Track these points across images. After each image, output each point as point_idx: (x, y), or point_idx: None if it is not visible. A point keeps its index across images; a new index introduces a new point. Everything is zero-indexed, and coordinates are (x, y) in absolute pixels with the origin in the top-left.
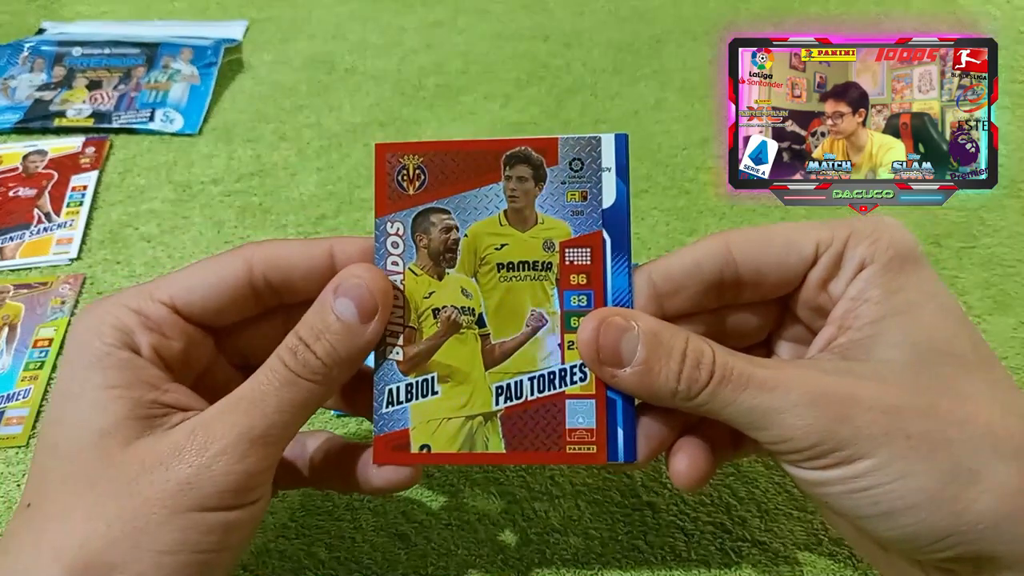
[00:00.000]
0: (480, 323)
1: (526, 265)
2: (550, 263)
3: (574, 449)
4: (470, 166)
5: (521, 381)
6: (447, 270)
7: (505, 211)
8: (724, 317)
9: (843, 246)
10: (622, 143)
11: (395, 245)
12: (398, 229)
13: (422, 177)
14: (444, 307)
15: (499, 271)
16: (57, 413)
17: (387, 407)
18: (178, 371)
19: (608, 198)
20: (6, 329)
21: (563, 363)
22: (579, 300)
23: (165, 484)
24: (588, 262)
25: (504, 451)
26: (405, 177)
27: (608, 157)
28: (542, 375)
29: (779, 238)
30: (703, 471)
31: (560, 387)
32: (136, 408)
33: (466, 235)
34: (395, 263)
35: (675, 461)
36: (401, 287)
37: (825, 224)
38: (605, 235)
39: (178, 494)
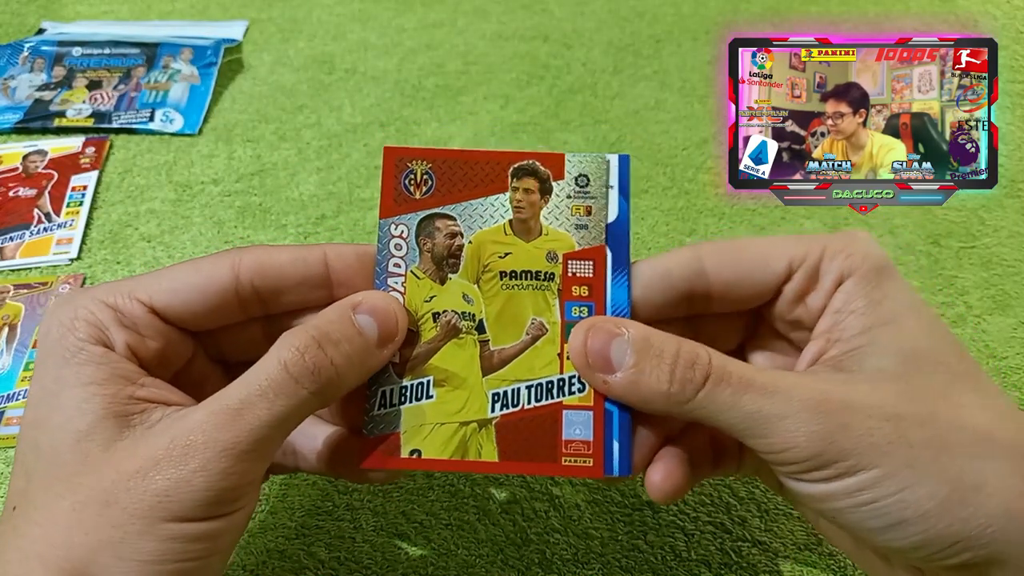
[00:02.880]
0: (480, 329)
1: (529, 274)
2: (552, 274)
3: (570, 461)
4: (477, 175)
5: (518, 389)
6: (449, 275)
7: (510, 221)
8: (695, 324)
9: (818, 260)
10: (624, 164)
11: (398, 247)
12: (402, 232)
13: (429, 182)
14: (444, 311)
15: (501, 279)
16: (35, 413)
17: (379, 409)
18: (154, 368)
19: (611, 214)
20: (6, 329)
21: (562, 373)
22: (580, 311)
23: (143, 495)
24: (590, 274)
25: (497, 460)
26: (412, 181)
27: (612, 175)
28: (540, 384)
29: (751, 253)
30: (678, 484)
31: (558, 397)
32: (112, 405)
33: (470, 242)
34: (397, 265)
35: (651, 472)
36: (402, 289)
37: (797, 240)
38: (608, 249)
39: (156, 506)
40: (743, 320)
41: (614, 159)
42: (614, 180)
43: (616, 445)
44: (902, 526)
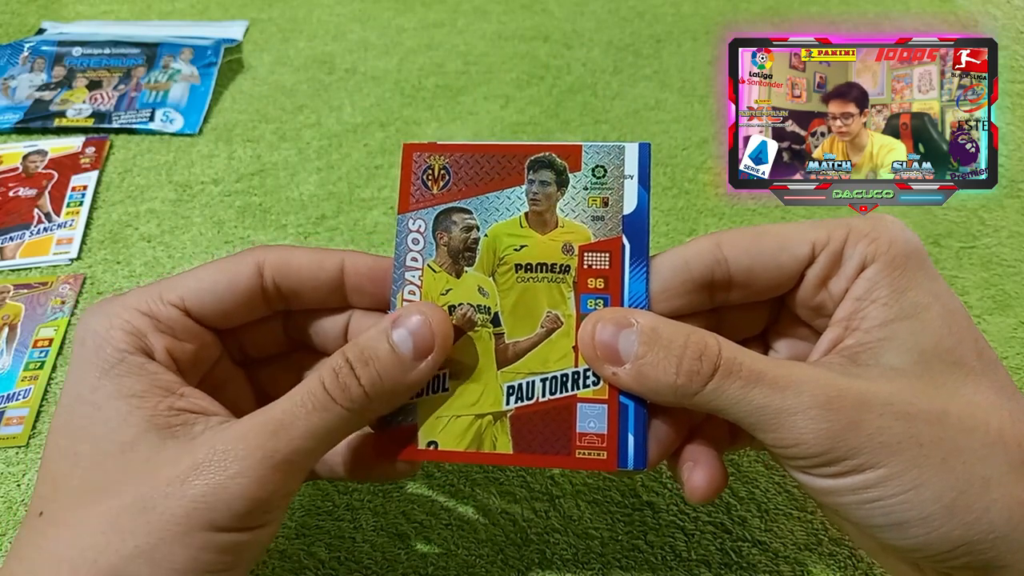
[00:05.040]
0: (495, 322)
1: (544, 267)
2: (568, 266)
3: (584, 454)
4: (494, 169)
5: (533, 382)
6: (465, 268)
7: (526, 214)
8: (718, 315)
9: (842, 244)
10: (645, 152)
11: (416, 242)
12: (420, 226)
13: (447, 177)
14: (460, 304)
15: (517, 271)
16: (70, 421)
17: None
18: (188, 372)
19: (629, 205)
20: (6, 329)
21: (576, 366)
22: (595, 304)
23: (180, 499)
24: (607, 266)
25: (512, 452)
26: (430, 177)
27: (631, 165)
28: (555, 377)
29: (772, 238)
30: (719, 482)
31: (572, 390)
32: (155, 417)
33: (486, 235)
34: (414, 259)
35: (692, 475)
36: (419, 283)
37: (821, 223)
38: (625, 241)
39: (192, 512)
40: (767, 307)
41: (632, 148)
42: (633, 169)
43: (631, 439)
44: (904, 526)
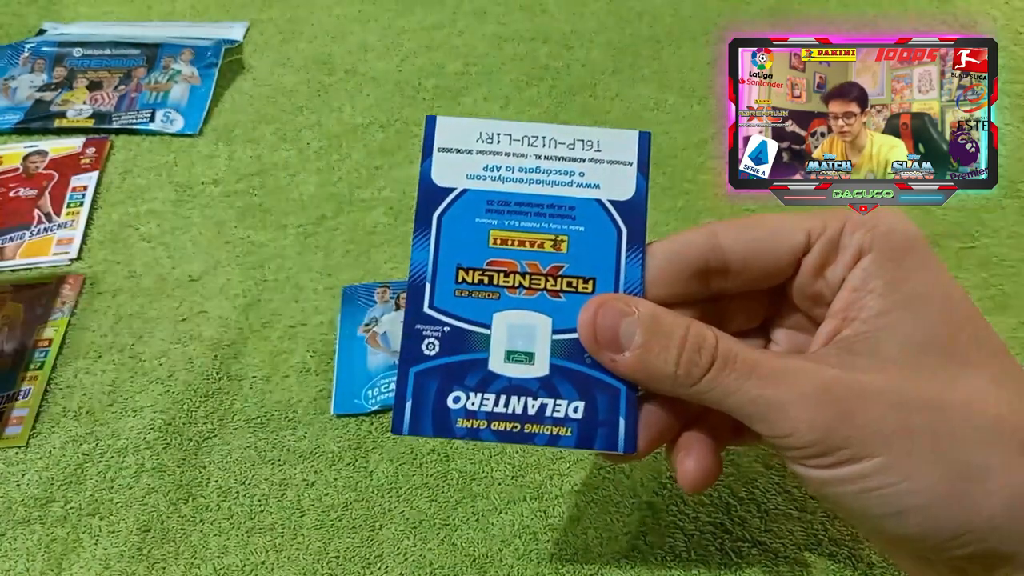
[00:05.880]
0: None
1: None
2: None
3: None
4: None
5: None
6: None
7: None
8: (717, 305)
9: (838, 232)
10: (645, 140)
11: None
12: None
13: None
14: None
15: None
16: None
17: None
18: None
19: (627, 191)
20: (6, 330)
21: None
22: None
23: None
24: None
25: None
26: None
27: (631, 153)
28: None
29: (768, 226)
30: (712, 472)
31: None
32: None
33: None
34: None
35: (683, 463)
36: None
37: (818, 213)
38: (622, 226)
39: None
40: (766, 298)
41: (632, 136)
42: (632, 157)
43: (622, 423)
44: (903, 515)
